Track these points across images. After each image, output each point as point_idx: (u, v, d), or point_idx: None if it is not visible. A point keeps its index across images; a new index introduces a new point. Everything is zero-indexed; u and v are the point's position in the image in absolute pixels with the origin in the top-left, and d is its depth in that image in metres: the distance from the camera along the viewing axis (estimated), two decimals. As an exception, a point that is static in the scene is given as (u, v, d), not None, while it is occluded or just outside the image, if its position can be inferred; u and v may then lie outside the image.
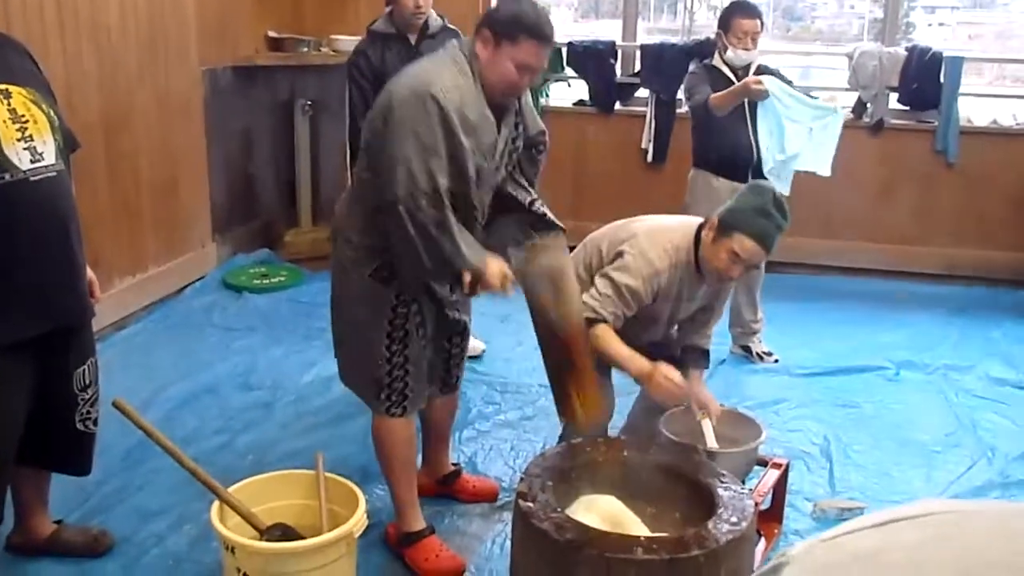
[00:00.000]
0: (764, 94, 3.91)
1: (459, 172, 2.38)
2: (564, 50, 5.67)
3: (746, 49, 4.05)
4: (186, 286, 4.95)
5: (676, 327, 3.02)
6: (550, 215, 2.71)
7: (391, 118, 2.34)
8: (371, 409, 2.68)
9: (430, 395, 2.78)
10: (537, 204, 2.71)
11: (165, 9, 4.69)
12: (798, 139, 4.04)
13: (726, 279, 2.77)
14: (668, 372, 2.65)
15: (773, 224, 2.62)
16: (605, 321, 2.69)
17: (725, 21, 4.11)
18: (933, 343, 4.56)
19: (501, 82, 2.43)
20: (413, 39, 3.69)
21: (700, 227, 2.77)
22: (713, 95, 3.95)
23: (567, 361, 2.62)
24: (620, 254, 2.78)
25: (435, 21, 3.74)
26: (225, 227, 5.41)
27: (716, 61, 4.15)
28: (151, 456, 2.98)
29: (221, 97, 5.27)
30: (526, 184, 2.72)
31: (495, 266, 2.44)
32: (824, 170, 4.15)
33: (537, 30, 2.40)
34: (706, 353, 3.04)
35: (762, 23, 4.14)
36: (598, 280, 2.75)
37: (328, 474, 2.53)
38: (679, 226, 2.82)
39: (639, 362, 2.67)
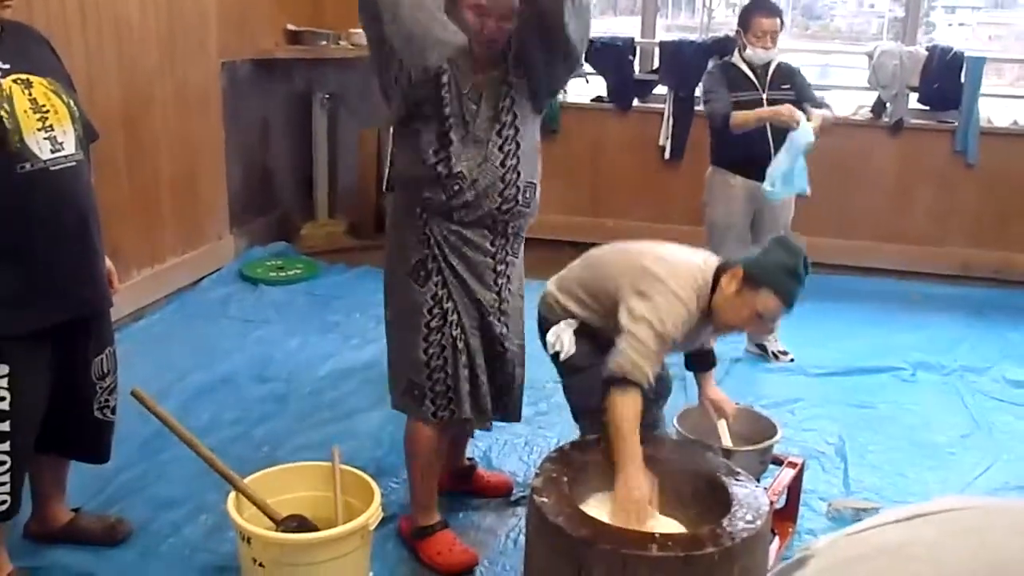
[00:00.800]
0: (795, 124, 3.81)
1: None
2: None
3: (765, 48, 4.04)
4: (203, 278, 4.98)
5: None
6: None
7: None
8: (412, 416, 2.65)
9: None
10: None
11: (185, 2, 4.71)
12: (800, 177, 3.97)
13: (736, 331, 2.67)
14: (640, 503, 2.26)
15: (800, 287, 2.47)
16: (640, 387, 2.34)
17: (744, 19, 4.10)
18: (950, 344, 4.53)
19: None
20: None
21: (719, 270, 2.52)
22: (736, 114, 3.90)
23: None
24: (648, 295, 2.44)
25: None
26: (242, 219, 5.44)
27: (735, 59, 4.15)
28: (168, 446, 3.00)
29: (239, 90, 5.29)
30: None
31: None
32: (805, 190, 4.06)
33: None
34: (711, 353, 2.92)
35: (782, 22, 4.13)
36: (637, 326, 2.39)
37: (344, 467, 2.54)
38: (700, 267, 2.54)
39: (638, 476, 2.28)
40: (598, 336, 2.63)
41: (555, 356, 2.70)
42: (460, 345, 2.56)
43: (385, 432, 3.36)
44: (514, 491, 3.11)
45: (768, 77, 4.08)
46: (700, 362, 2.90)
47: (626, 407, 2.31)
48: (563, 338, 2.66)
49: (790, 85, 4.09)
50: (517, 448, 3.43)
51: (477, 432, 3.45)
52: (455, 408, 2.60)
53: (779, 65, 4.14)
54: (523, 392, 2.81)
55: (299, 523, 2.43)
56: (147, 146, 4.51)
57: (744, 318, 2.48)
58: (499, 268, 2.60)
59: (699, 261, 2.56)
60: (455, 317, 2.55)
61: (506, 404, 2.76)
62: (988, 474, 3.36)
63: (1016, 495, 3.23)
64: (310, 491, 2.55)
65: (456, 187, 2.46)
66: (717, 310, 2.49)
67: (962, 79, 5.28)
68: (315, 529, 2.40)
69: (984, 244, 5.45)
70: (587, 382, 2.57)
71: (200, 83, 4.91)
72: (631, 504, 2.23)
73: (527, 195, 2.55)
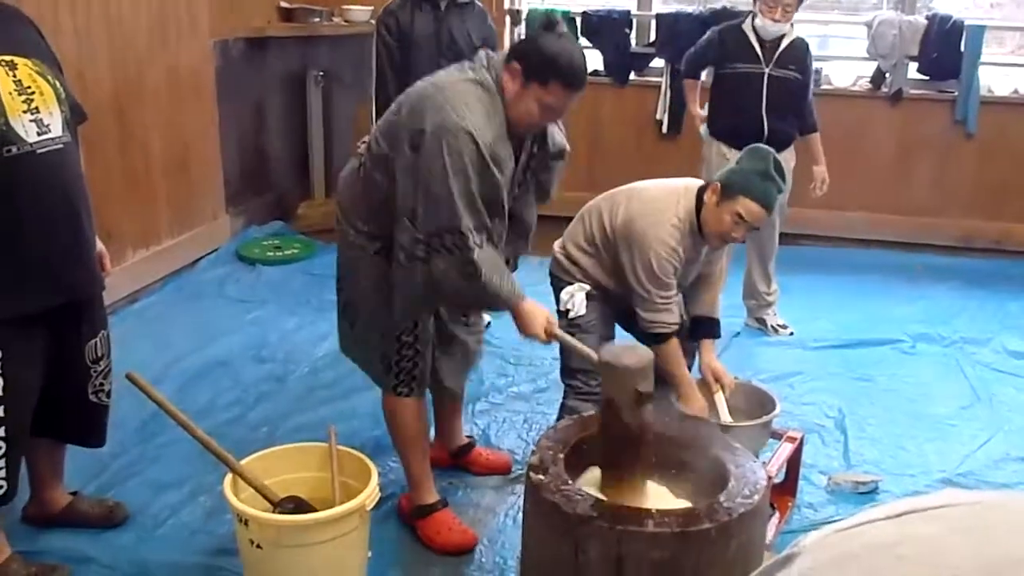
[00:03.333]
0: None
1: (492, 207, 2.35)
2: (579, 20, 5.60)
3: (774, 20, 3.93)
4: (199, 258, 4.95)
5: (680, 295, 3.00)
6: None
7: (423, 145, 2.28)
8: (379, 386, 2.68)
9: (456, 370, 2.79)
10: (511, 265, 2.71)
11: (176, -20, 4.66)
12: None
13: (729, 241, 2.83)
14: (696, 404, 2.81)
15: (775, 187, 2.71)
16: (675, 335, 2.79)
17: None
18: (949, 316, 4.52)
19: (523, 119, 2.38)
20: (443, 5, 3.76)
21: (701, 190, 2.79)
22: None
23: (623, 454, 2.36)
24: (641, 247, 2.74)
25: None
26: (238, 199, 5.41)
27: (746, 26, 4.05)
28: (165, 429, 2.99)
29: (232, 69, 5.24)
30: (535, 199, 2.71)
31: (540, 314, 2.44)
32: None
33: (571, 78, 2.34)
34: (716, 322, 3.04)
35: None
36: (645, 287, 2.75)
37: (341, 447, 2.53)
38: (680, 192, 2.81)
39: (693, 392, 2.84)
40: (608, 303, 2.89)
41: (564, 313, 2.88)
42: (430, 326, 2.60)
43: (382, 412, 3.34)
44: (513, 469, 3.10)
45: (777, 52, 3.98)
46: (704, 331, 2.99)
47: (665, 355, 2.74)
48: (576, 298, 2.87)
49: (796, 68, 4.00)
50: (516, 426, 3.42)
51: (476, 410, 3.46)
52: (414, 387, 2.62)
53: (793, 42, 4.02)
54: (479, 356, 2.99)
55: (296, 504, 2.42)
56: (140, 127, 4.47)
57: (728, 224, 2.71)
58: None
59: (681, 187, 2.83)
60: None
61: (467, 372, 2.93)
62: (988, 446, 3.35)
63: (1016, 466, 3.22)
64: (307, 472, 2.54)
65: None
66: (704, 224, 2.75)
67: (962, 48, 5.23)
68: (313, 510, 2.39)
69: (983, 215, 5.42)
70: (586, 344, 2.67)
71: (192, 62, 4.87)
72: (698, 411, 2.77)
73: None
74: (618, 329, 3.04)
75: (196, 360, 3.80)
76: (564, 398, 2.99)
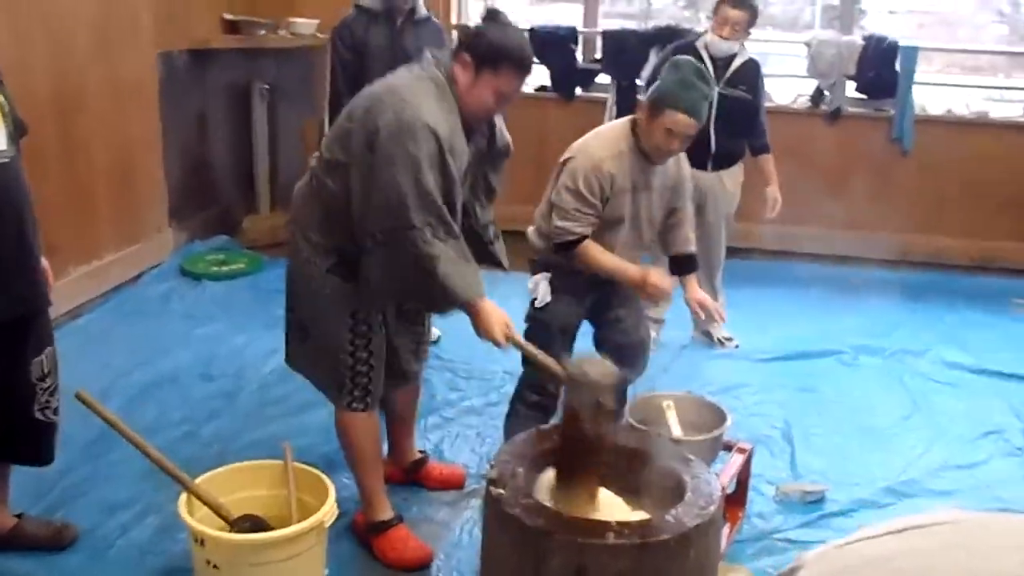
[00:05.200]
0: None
1: (448, 199, 2.36)
2: (525, 36, 5.64)
3: (723, 37, 4.02)
4: (142, 273, 4.87)
5: (652, 236, 3.10)
6: (497, 250, 2.78)
7: (379, 143, 2.30)
8: (332, 402, 2.67)
9: (393, 386, 2.78)
10: (491, 232, 2.76)
11: (119, -9, 4.59)
12: None
13: (667, 153, 2.92)
14: (657, 277, 2.88)
15: (699, 94, 2.80)
16: (584, 237, 2.86)
17: (715, 5, 4.10)
18: (889, 328, 4.64)
19: (478, 108, 2.44)
20: (399, 19, 3.79)
21: (634, 119, 2.92)
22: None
23: (580, 463, 2.36)
24: (564, 163, 2.92)
25: (422, 9, 3.84)
26: (182, 213, 5.33)
27: (699, 44, 4.11)
28: (113, 447, 2.93)
29: (176, 81, 5.18)
30: (484, 197, 2.74)
31: (499, 317, 2.44)
32: None
33: (520, 61, 2.42)
34: (692, 257, 3.18)
35: (752, 16, 4.05)
36: (556, 197, 2.89)
37: (296, 464, 2.51)
38: (615, 122, 3.05)
39: (630, 270, 2.90)
40: (572, 293, 2.97)
41: (533, 302, 2.99)
42: (382, 339, 2.60)
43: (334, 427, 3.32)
44: (467, 483, 3.10)
45: (728, 72, 4.06)
46: (685, 267, 3.14)
47: (585, 256, 2.87)
48: (540, 286, 2.97)
49: (747, 88, 4.08)
50: (469, 440, 3.42)
51: (428, 424, 3.46)
52: (370, 401, 2.62)
53: (745, 63, 4.10)
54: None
55: (252, 523, 2.39)
56: (81, 139, 4.39)
57: (661, 137, 2.82)
58: None
59: (611, 123, 3.06)
60: (380, 316, 2.59)
61: (419, 367, 2.92)
62: (928, 455, 3.44)
63: (955, 474, 3.32)
64: (263, 490, 2.52)
65: None
66: (644, 142, 2.86)
67: (897, 68, 5.39)
68: (269, 528, 2.37)
69: (920, 230, 5.58)
70: (546, 336, 2.87)
71: (135, 73, 4.80)
72: (651, 279, 2.85)
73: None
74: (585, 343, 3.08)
75: (142, 377, 3.73)
76: (515, 401, 3.03)
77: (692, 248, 3.18)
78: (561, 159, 2.97)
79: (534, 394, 3.00)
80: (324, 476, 2.46)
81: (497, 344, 2.47)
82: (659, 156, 2.91)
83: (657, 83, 2.88)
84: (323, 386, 2.69)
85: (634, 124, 2.91)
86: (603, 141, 2.92)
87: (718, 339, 4.42)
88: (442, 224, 2.32)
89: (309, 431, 3.35)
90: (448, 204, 2.36)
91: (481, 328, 2.46)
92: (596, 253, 2.88)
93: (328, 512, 2.31)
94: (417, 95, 2.35)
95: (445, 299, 2.42)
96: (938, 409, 3.84)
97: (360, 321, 2.54)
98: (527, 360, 2.94)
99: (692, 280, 3.15)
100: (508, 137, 2.73)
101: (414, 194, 2.28)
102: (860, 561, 0.56)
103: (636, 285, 2.91)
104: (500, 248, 2.81)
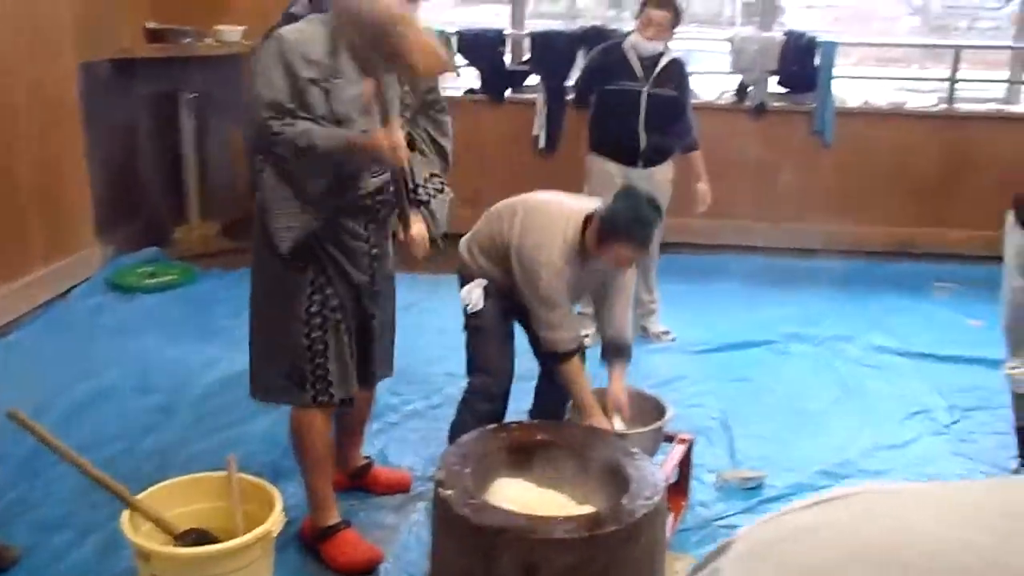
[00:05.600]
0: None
1: (302, 99, 2.38)
2: (455, 38, 5.66)
3: (648, 38, 4.09)
4: (71, 288, 4.76)
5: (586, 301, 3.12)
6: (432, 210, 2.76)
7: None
8: (292, 402, 2.65)
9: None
10: (422, 192, 2.73)
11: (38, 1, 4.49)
12: None
13: (612, 266, 2.90)
14: (603, 421, 2.85)
15: (649, 229, 2.82)
16: (577, 351, 2.88)
17: (640, 5, 4.17)
18: (818, 316, 4.77)
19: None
20: None
21: (587, 219, 2.85)
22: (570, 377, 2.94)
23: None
24: (529, 268, 2.82)
25: None
26: (110, 226, 5.22)
27: (626, 45, 4.18)
28: (48, 466, 2.88)
29: (100, 91, 5.07)
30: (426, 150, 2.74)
31: (381, 133, 2.40)
32: None
33: None
34: (625, 348, 3.02)
35: (675, 17, 4.12)
36: (540, 309, 2.84)
37: (240, 474, 2.49)
38: (568, 216, 2.87)
39: (594, 409, 2.86)
40: (506, 299, 2.96)
41: (466, 310, 2.99)
42: (342, 328, 2.60)
43: (278, 434, 3.29)
44: (413, 486, 3.11)
45: (655, 71, 4.12)
46: (614, 354, 3.00)
47: (565, 375, 2.88)
48: (473, 294, 2.97)
49: (673, 86, 4.15)
50: (413, 443, 3.43)
51: (372, 430, 3.45)
52: (333, 392, 2.61)
53: (671, 61, 4.16)
54: (394, 351, 2.93)
55: (198, 536, 2.37)
56: (1, 154, 4.27)
57: (612, 261, 2.85)
58: (373, 252, 2.65)
59: (568, 211, 2.89)
60: (336, 301, 2.58)
61: (380, 365, 2.85)
62: (860, 437, 3.56)
63: (887, 454, 3.43)
64: (206, 503, 2.49)
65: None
66: (590, 255, 2.85)
67: (816, 63, 5.55)
68: (215, 541, 2.34)
69: (843, 219, 5.73)
70: (487, 342, 2.97)
71: (57, 84, 4.69)
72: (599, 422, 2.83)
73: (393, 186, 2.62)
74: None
75: (76, 394, 3.65)
76: (463, 411, 3.03)
77: (628, 338, 3.02)
78: (517, 236, 2.87)
79: (484, 402, 2.98)
80: (269, 485, 2.45)
81: (389, 155, 2.38)
82: (605, 265, 2.91)
83: (612, 208, 2.80)
84: (282, 389, 2.64)
85: (585, 225, 2.84)
86: (559, 248, 2.81)
87: (654, 334, 4.49)
88: (285, 112, 2.36)
89: (250, 441, 3.32)
90: (302, 100, 2.37)
91: (374, 149, 2.40)
92: (577, 377, 2.88)
93: (275, 522, 2.30)
94: (290, 23, 2.50)
95: (347, 158, 2.43)
96: (868, 392, 3.96)
97: (315, 314, 2.55)
98: (474, 367, 3.03)
99: (618, 372, 2.97)
100: (432, 83, 2.73)
101: (258, 99, 2.38)
102: (789, 531, 0.60)
103: (586, 419, 2.84)
104: (438, 207, 2.77)
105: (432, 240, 2.75)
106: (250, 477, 2.50)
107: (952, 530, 0.55)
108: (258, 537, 2.24)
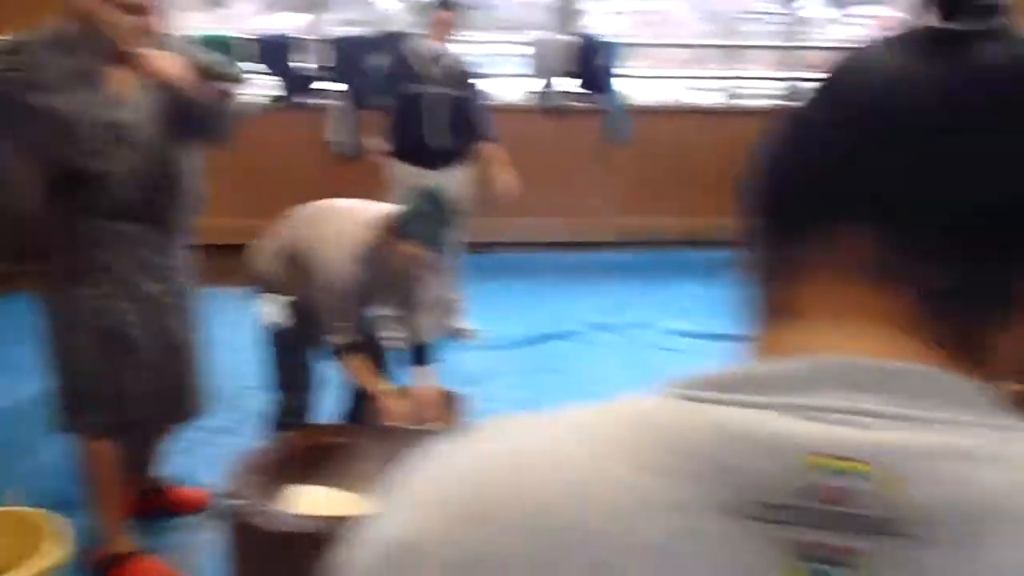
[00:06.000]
0: None
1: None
2: (256, 46, 5.52)
3: (432, 40, 4.17)
4: None
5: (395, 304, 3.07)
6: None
7: None
8: (77, 430, 2.51)
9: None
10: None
11: None
12: None
13: (412, 271, 2.92)
14: (396, 405, 2.82)
15: (437, 227, 2.82)
16: (356, 348, 2.85)
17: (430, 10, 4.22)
18: (620, 305, 4.95)
19: None
20: None
21: (383, 221, 2.84)
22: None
23: None
24: (323, 270, 2.78)
25: None
26: None
27: (406, 48, 4.22)
28: None
29: None
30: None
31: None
32: None
33: None
34: (426, 348, 3.06)
35: (458, 16, 4.19)
36: (328, 307, 2.80)
37: (5, 508, 2.31)
38: (363, 220, 2.86)
39: (390, 404, 2.83)
40: (305, 310, 2.90)
41: (266, 326, 2.96)
42: (131, 344, 2.46)
43: (50, 467, 3.08)
44: (210, 503, 2.99)
45: (434, 71, 4.15)
46: (415, 355, 3.03)
47: (350, 367, 2.88)
48: (273, 310, 2.94)
49: (452, 85, 4.16)
50: (210, 460, 3.28)
51: (172, 448, 3.29)
52: (125, 412, 2.48)
53: (448, 60, 4.19)
54: (200, 384, 2.73)
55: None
56: None
57: (406, 262, 2.85)
58: (165, 262, 2.52)
59: (363, 216, 2.86)
60: (127, 317, 2.45)
61: (183, 400, 2.67)
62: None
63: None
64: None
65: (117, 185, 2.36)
66: (386, 257, 2.83)
67: (608, 64, 5.76)
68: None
69: (638, 212, 5.97)
70: (287, 356, 2.95)
71: None
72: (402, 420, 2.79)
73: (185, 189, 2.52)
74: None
75: None
76: (267, 416, 2.99)
77: (427, 339, 3.08)
78: (312, 240, 2.85)
79: (289, 416, 2.95)
80: (42, 516, 2.28)
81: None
82: (402, 269, 2.90)
83: (403, 211, 2.81)
84: (71, 414, 2.50)
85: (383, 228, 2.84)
86: (351, 256, 2.77)
87: (462, 332, 4.50)
88: None
89: (39, 472, 3.08)
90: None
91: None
92: (361, 370, 2.87)
93: (51, 554, 2.14)
94: None
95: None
96: (670, 374, 4.10)
97: (102, 331, 2.41)
98: (276, 382, 2.98)
99: (421, 372, 3.03)
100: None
101: None
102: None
103: (380, 409, 2.84)
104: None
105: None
106: (14, 508, 2.32)
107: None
108: (31, 574, 2.08)
